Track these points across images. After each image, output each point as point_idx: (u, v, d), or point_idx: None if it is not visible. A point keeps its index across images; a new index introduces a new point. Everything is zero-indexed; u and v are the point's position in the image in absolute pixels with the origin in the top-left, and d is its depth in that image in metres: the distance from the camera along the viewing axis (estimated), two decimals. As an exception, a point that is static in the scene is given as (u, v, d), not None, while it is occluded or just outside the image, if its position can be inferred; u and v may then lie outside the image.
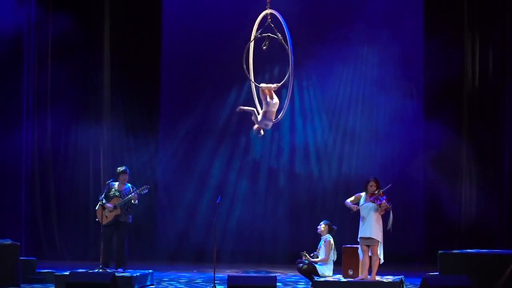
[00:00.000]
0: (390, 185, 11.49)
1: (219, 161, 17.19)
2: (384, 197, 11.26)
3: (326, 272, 11.78)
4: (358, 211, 11.42)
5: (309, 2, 16.54)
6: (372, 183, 11.35)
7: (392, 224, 11.25)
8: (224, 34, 16.67)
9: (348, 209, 11.56)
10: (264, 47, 11.76)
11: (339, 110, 16.98)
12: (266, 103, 11.77)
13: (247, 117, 16.34)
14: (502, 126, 15.46)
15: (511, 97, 15.36)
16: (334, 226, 12.04)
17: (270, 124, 11.88)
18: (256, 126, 11.91)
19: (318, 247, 11.99)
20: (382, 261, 11.33)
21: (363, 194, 11.45)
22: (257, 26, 11.84)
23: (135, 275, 11.86)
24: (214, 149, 17.21)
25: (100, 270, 11.66)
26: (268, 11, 11.88)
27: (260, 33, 11.78)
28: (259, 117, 11.83)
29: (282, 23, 11.65)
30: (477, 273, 11.12)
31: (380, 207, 11.24)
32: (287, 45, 11.57)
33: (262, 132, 11.93)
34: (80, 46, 16.67)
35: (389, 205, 11.23)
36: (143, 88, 17.09)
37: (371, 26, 16.64)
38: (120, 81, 16.96)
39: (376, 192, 11.30)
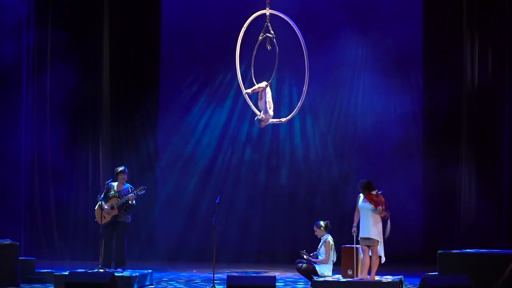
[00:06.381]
0: (381, 191, 11.42)
1: (218, 160, 17.20)
2: (379, 199, 11.22)
3: (326, 272, 11.77)
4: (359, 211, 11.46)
5: (307, 3, 16.52)
6: (360, 190, 11.37)
7: (390, 232, 11.25)
8: (223, 34, 16.65)
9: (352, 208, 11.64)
10: (269, 47, 11.85)
11: (338, 111, 16.99)
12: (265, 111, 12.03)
13: (247, 117, 16.42)
14: (502, 127, 15.43)
15: (510, 98, 15.35)
16: (327, 222, 12.01)
17: (268, 117, 12.16)
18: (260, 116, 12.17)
19: (319, 247, 11.98)
20: (383, 260, 11.34)
21: (361, 195, 11.46)
22: (247, 23, 11.95)
23: (134, 275, 11.85)
24: (213, 149, 17.21)
25: (100, 270, 11.66)
26: (267, 11, 11.92)
27: (263, 34, 11.87)
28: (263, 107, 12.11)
29: (291, 23, 11.69)
30: (476, 273, 11.13)
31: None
32: (303, 43, 11.62)
33: (262, 123, 12.23)
34: (79, 45, 16.65)
35: (388, 213, 11.21)
36: (142, 87, 17.13)
37: (370, 27, 16.65)
38: (119, 81, 16.98)
39: (374, 193, 11.29)
